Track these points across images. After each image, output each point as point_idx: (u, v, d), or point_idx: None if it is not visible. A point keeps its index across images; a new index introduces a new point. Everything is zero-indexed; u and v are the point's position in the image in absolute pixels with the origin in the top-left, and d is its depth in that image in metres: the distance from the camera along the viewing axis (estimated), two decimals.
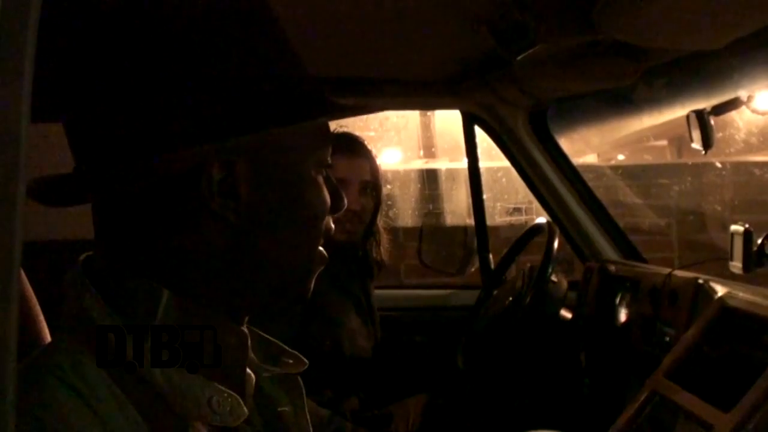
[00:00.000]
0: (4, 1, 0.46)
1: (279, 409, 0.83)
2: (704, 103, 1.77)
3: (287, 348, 0.84)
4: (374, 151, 2.07)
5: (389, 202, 4.26)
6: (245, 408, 0.70)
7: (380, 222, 2.13)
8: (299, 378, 0.85)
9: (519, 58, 1.73)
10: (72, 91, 0.68)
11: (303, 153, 0.72)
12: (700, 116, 1.68)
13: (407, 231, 3.95)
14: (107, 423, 0.62)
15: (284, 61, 0.70)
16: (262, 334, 0.82)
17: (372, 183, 1.99)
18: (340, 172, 1.93)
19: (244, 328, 0.75)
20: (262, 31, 0.69)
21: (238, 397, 0.69)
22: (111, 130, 0.66)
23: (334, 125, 2.09)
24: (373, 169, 2.01)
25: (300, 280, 0.76)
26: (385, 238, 2.12)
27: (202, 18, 0.66)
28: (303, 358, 0.83)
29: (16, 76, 0.47)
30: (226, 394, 0.68)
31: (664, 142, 7.85)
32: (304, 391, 0.85)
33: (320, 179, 0.74)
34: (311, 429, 0.85)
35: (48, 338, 1.04)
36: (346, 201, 0.78)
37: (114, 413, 0.63)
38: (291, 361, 0.83)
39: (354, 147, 1.99)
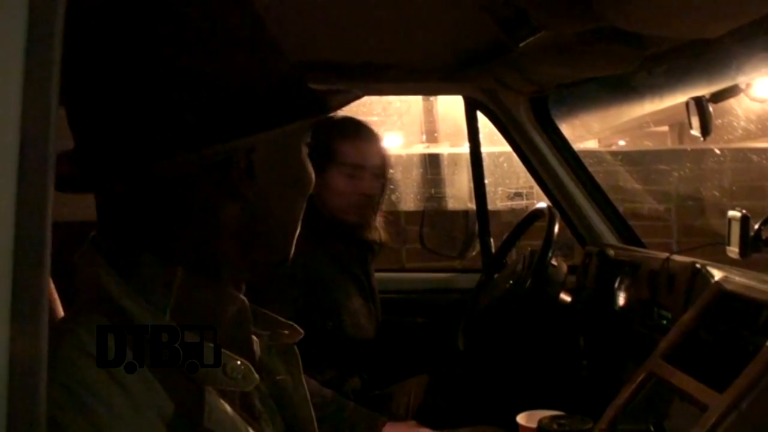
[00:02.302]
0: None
1: (278, 378, 0.87)
2: (704, 90, 1.78)
3: (282, 319, 0.88)
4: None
5: (391, 186, 4.27)
6: (256, 375, 0.74)
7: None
8: (296, 348, 0.89)
9: (521, 45, 1.74)
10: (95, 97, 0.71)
11: (300, 135, 0.80)
12: (699, 103, 1.70)
13: (409, 215, 3.95)
14: (130, 391, 0.65)
15: (283, 66, 0.77)
16: (257, 307, 0.85)
17: (381, 167, 2.01)
18: (355, 158, 1.95)
19: (243, 297, 0.80)
20: (265, 43, 0.76)
21: (249, 364, 0.73)
22: (147, 132, 0.70)
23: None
24: (382, 153, 2.03)
25: (290, 243, 0.82)
26: (381, 218, 2.13)
27: (210, 36, 0.72)
28: (298, 327, 0.88)
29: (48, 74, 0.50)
30: (239, 362, 0.72)
31: (665, 128, 7.84)
32: (300, 361, 0.89)
33: (306, 153, 0.82)
34: (309, 397, 0.90)
35: (61, 312, 1.07)
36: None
37: (134, 381, 0.66)
38: (287, 332, 0.87)
39: (365, 133, 2.01)
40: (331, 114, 2.02)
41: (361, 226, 2.01)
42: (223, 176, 0.72)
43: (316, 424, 0.90)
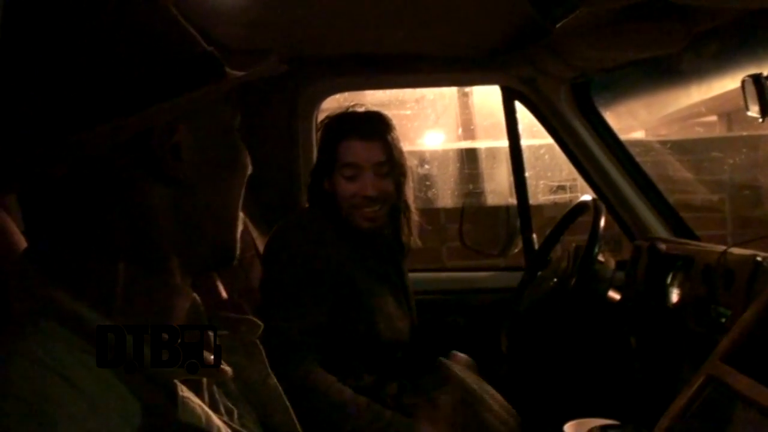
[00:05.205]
0: None
1: (245, 375, 0.89)
2: (757, 70, 1.68)
3: (238, 316, 0.88)
4: (394, 131, 1.95)
5: (428, 183, 4.22)
6: (227, 367, 0.76)
7: (412, 202, 2.04)
8: (258, 342, 0.90)
9: (559, 25, 1.67)
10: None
11: (225, 114, 0.79)
12: (758, 81, 1.59)
13: (448, 212, 3.93)
14: (88, 395, 0.64)
15: (187, 41, 0.76)
16: (212, 307, 0.86)
17: (388, 163, 1.90)
18: (350, 158, 1.86)
19: (193, 292, 0.80)
20: (164, 19, 0.75)
21: (212, 356, 0.75)
22: (53, 110, 0.67)
23: (349, 102, 2.01)
24: (388, 148, 1.90)
25: (231, 235, 0.81)
26: (415, 216, 2.04)
27: (118, 14, 0.71)
28: (257, 321, 0.89)
29: None
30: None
31: (713, 118, 7.78)
32: (264, 355, 0.91)
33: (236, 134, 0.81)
34: (281, 392, 0.91)
35: None
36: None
37: (92, 384, 0.64)
38: (245, 329, 0.89)
39: (364, 129, 1.89)
40: (343, 109, 1.96)
41: (376, 229, 1.91)
42: (147, 156, 0.70)
43: (293, 415, 0.92)
